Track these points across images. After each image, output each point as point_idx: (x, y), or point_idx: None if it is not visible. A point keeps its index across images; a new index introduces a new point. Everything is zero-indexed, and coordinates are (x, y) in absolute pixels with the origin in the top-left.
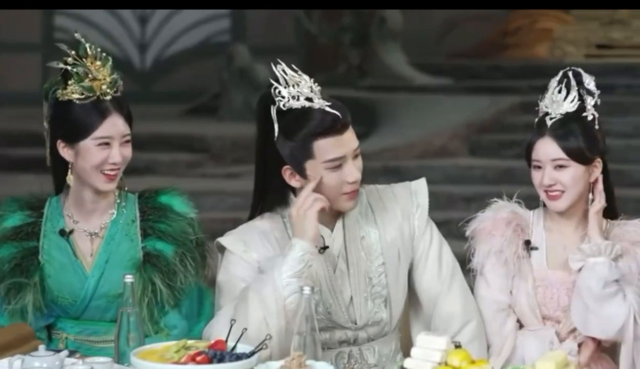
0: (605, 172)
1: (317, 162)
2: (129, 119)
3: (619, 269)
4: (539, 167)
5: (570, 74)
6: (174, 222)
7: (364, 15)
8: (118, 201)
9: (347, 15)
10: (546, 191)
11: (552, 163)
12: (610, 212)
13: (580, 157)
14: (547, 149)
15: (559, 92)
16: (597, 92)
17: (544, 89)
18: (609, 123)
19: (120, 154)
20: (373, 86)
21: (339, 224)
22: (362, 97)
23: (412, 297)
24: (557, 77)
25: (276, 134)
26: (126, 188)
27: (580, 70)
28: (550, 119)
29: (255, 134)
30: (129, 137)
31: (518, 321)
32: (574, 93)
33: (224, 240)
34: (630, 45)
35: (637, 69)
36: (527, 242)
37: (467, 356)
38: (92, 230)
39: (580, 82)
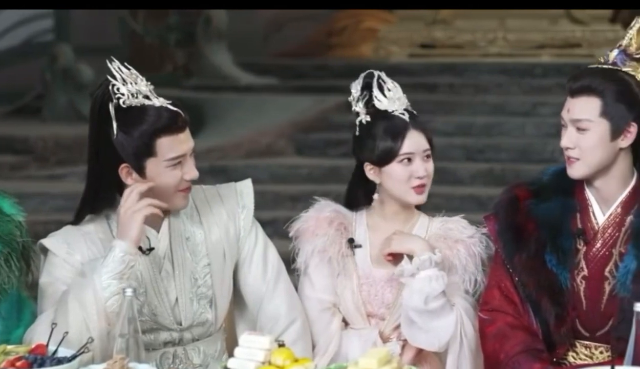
0: None
1: (158, 161)
2: None
3: (443, 279)
4: (408, 161)
5: (376, 74)
6: (1, 223)
7: (190, 14)
8: None
9: (172, 14)
10: (416, 185)
11: (422, 154)
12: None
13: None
14: (419, 140)
15: (389, 90)
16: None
17: (369, 89)
18: (433, 122)
19: None
20: (199, 86)
21: (165, 224)
22: (188, 97)
23: (238, 297)
24: (374, 80)
25: (115, 132)
26: None
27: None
28: (401, 113)
29: (89, 133)
30: None
31: (344, 320)
32: (398, 87)
33: (47, 242)
34: (453, 44)
35: (460, 68)
36: (351, 240)
37: (290, 354)
38: None
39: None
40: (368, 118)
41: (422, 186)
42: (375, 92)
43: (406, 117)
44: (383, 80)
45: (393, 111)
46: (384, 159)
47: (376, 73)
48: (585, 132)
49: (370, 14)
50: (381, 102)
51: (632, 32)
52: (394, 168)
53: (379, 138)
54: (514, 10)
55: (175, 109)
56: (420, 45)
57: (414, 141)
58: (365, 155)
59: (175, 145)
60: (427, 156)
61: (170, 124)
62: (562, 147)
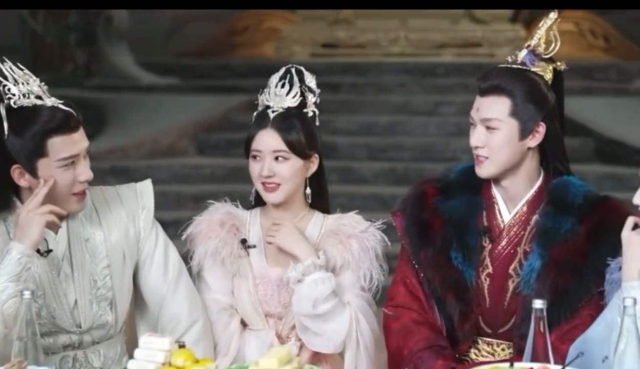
0: (320, 168)
1: (50, 161)
2: None
3: (330, 281)
4: (258, 158)
5: (293, 70)
6: None
7: (90, 14)
8: None
9: (72, 14)
10: (264, 183)
11: (272, 154)
12: (324, 208)
13: (300, 151)
14: (269, 140)
15: (282, 87)
16: (317, 91)
17: None
18: (336, 121)
19: None
20: (100, 86)
21: (63, 226)
22: (89, 97)
23: (138, 299)
24: (280, 73)
25: (6, 132)
26: None
27: (302, 68)
28: (273, 112)
29: None
30: None
31: (242, 321)
32: (296, 89)
33: None
34: (355, 44)
35: (362, 68)
36: (243, 241)
37: (190, 355)
38: None
39: (302, 80)
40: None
41: (270, 184)
42: (272, 87)
43: (270, 115)
44: (301, 79)
45: (270, 107)
46: (245, 154)
47: (304, 71)
48: (494, 132)
49: (272, 13)
50: (268, 97)
51: (540, 32)
52: (250, 163)
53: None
54: (415, 10)
55: (68, 109)
56: (322, 45)
57: (264, 140)
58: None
59: (68, 145)
60: (281, 158)
61: (62, 124)
62: (471, 146)
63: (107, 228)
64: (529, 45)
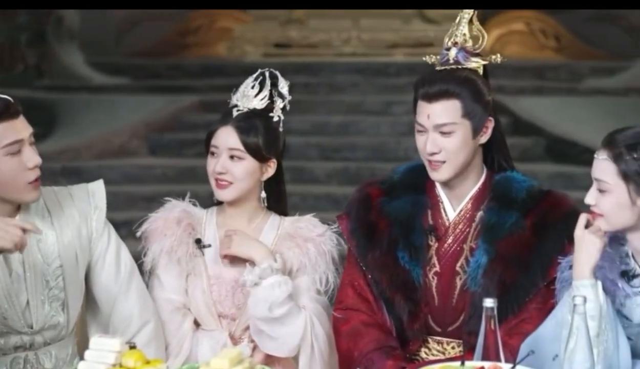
0: (279, 173)
1: None
2: None
3: (286, 285)
4: (215, 155)
5: (267, 74)
6: None
7: (41, 14)
8: None
9: (22, 14)
10: (217, 179)
11: (228, 152)
12: (282, 212)
13: (257, 152)
14: (226, 137)
15: (252, 88)
16: (288, 98)
17: (224, 88)
18: (288, 121)
19: None
20: (51, 86)
21: None
22: (39, 97)
23: (90, 299)
24: (255, 75)
25: None
26: None
27: (277, 73)
28: (237, 111)
29: None
30: None
31: (195, 321)
32: (265, 92)
33: None
34: (307, 44)
35: (314, 68)
36: (198, 241)
37: (141, 356)
38: None
39: (274, 84)
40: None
41: (222, 182)
42: (243, 87)
43: (234, 114)
44: (274, 83)
45: (237, 106)
46: (205, 149)
47: (280, 76)
48: (449, 135)
49: (224, 13)
50: (237, 96)
51: (462, 28)
52: (207, 159)
53: None
54: (367, 10)
55: (4, 96)
56: (275, 45)
57: (222, 137)
58: None
59: (10, 131)
60: (236, 157)
61: (2, 112)
62: (426, 153)
63: (59, 229)
64: (456, 43)
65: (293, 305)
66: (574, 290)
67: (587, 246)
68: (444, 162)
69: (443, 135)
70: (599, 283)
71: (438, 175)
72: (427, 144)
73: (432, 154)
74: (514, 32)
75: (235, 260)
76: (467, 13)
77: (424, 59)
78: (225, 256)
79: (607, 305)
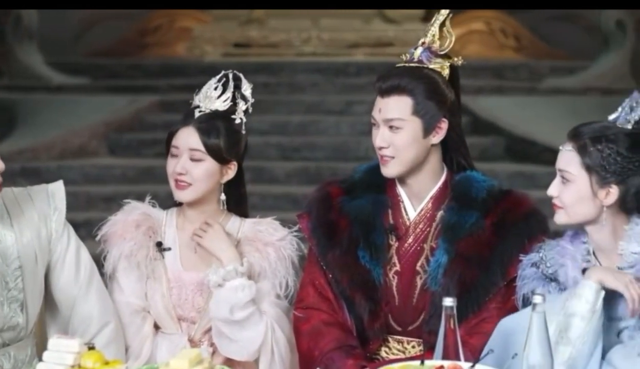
0: (240, 176)
1: None
2: None
3: (250, 289)
4: (175, 155)
5: (230, 76)
6: None
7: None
8: None
9: None
10: (176, 180)
11: (188, 152)
12: (242, 215)
13: (217, 154)
14: (188, 138)
15: (215, 89)
16: (251, 100)
17: (184, 88)
18: (248, 121)
19: None
20: (10, 86)
21: None
22: None
23: (49, 300)
24: (218, 76)
25: None
26: None
27: (241, 75)
28: (199, 112)
29: None
30: None
31: (155, 324)
32: (228, 94)
33: None
34: (267, 44)
35: (274, 68)
36: (159, 244)
37: (100, 357)
38: None
39: (238, 87)
40: None
41: (181, 182)
42: (206, 88)
43: (195, 114)
44: (237, 85)
45: (199, 107)
46: (166, 149)
47: (243, 78)
48: (398, 131)
49: (184, 13)
50: (200, 97)
51: (434, 28)
52: (167, 159)
53: None
54: (327, 10)
55: None
56: (234, 45)
57: (183, 137)
58: None
59: None
60: (196, 158)
61: None
62: (376, 147)
63: (18, 229)
64: (423, 43)
65: (255, 310)
66: (572, 287)
67: (619, 274)
68: (393, 157)
69: (391, 130)
70: (602, 292)
71: (387, 170)
72: (377, 138)
73: (381, 148)
74: (473, 31)
75: (195, 263)
76: (442, 15)
77: (401, 57)
78: (197, 243)
79: (600, 316)
